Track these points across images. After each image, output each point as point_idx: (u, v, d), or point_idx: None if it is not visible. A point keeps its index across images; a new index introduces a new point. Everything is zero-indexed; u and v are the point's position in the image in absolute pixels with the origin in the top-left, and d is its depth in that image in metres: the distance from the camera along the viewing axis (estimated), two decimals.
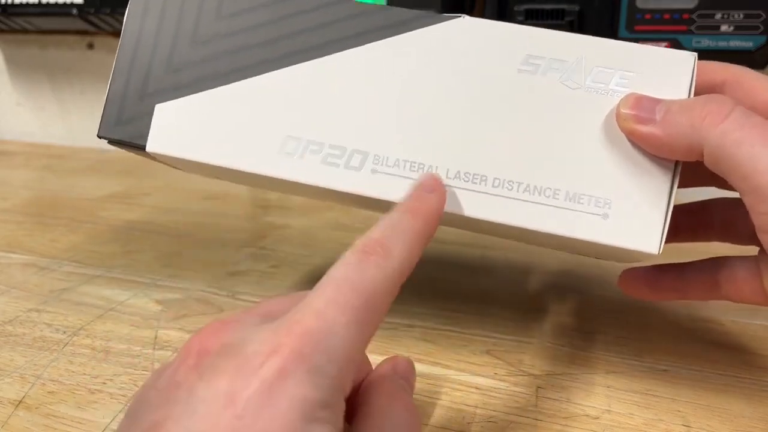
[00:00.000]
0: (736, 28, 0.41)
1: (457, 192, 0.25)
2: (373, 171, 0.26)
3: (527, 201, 0.25)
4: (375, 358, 0.31)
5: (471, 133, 0.25)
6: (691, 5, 0.41)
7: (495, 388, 0.29)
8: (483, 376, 0.30)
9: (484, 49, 0.25)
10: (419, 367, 0.30)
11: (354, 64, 0.26)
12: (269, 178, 0.27)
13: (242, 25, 0.27)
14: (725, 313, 0.35)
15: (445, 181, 0.25)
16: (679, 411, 0.27)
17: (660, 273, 0.29)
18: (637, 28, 0.42)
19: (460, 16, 0.26)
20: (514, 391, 0.29)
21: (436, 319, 0.34)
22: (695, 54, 0.24)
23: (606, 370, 0.30)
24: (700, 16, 0.41)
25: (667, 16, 0.41)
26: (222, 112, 0.27)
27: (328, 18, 0.27)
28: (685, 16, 0.41)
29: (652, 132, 0.23)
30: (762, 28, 0.40)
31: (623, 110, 0.24)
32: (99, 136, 0.29)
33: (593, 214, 0.24)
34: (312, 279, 0.40)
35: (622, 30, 0.42)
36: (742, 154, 0.21)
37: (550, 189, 0.24)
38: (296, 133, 0.26)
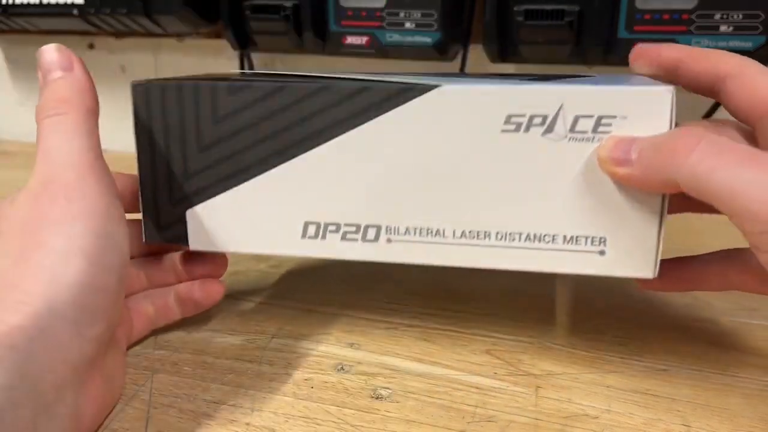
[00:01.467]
0: (736, 28, 0.41)
1: (466, 248, 0.28)
2: (389, 240, 0.29)
3: (530, 248, 0.27)
4: (375, 358, 0.31)
5: (467, 195, 0.27)
6: (690, 5, 0.41)
7: (495, 387, 0.29)
8: (483, 375, 0.30)
9: (466, 115, 0.26)
10: (419, 366, 0.30)
11: (349, 148, 0.28)
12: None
13: (240, 125, 0.29)
14: (725, 313, 0.35)
15: (453, 240, 0.28)
16: (678, 411, 0.27)
17: (672, 266, 0.29)
18: (637, 28, 0.42)
19: (438, 86, 0.26)
20: (514, 391, 0.29)
21: (436, 319, 0.34)
22: (673, 89, 0.24)
23: (606, 370, 0.30)
24: (699, 16, 0.41)
25: (666, 17, 0.41)
26: (244, 208, 0.30)
27: (316, 107, 0.28)
28: (685, 16, 0.41)
29: (630, 173, 0.24)
30: (761, 28, 0.40)
31: (602, 154, 0.25)
32: (146, 242, 0.32)
33: (591, 252, 0.27)
34: (312, 278, 0.40)
35: (622, 30, 0.42)
36: (717, 181, 0.22)
37: (549, 235, 0.27)
38: (313, 218, 0.29)
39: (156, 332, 0.33)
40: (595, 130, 0.25)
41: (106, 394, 0.26)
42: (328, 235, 0.29)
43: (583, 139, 0.26)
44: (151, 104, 0.29)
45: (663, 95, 0.24)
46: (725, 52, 0.27)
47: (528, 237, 0.27)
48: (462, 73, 0.32)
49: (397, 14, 0.47)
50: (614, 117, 0.25)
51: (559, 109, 0.25)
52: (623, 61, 0.43)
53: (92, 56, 0.67)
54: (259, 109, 0.29)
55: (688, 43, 0.42)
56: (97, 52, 0.67)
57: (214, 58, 0.63)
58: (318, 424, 0.27)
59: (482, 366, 0.30)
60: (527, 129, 0.26)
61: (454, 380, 0.29)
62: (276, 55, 0.61)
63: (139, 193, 0.31)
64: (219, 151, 0.30)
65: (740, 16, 0.40)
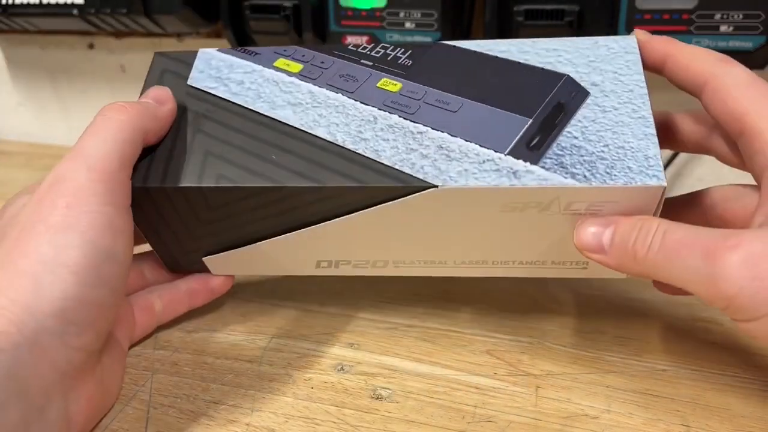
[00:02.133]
0: (736, 28, 0.41)
1: (466, 269, 0.30)
2: (396, 266, 0.31)
3: (522, 267, 0.30)
4: (375, 358, 0.31)
5: (467, 243, 0.29)
6: (690, 5, 0.41)
7: (494, 387, 0.29)
8: (483, 375, 0.30)
9: (464, 204, 0.27)
10: (419, 366, 0.30)
11: (347, 224, 0.28)
12: None
13: (234, 211, 0.29)
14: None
15: (453, 266, 0.30)
16: (678, 411, 0.27)
17: None
18: (637, 28, 0.42)
19: (434, 187, 0.26)
20: (514, 391, 0.29)
21: (436, 319, 0.34)
22: (664, 186, 0.24)
23: (606, 370, 0.30)
24: (699, 16, 0.41)
25: (666, 17, 0.41)
26: (256, 255, 0.31)
27: (307, 200, 0.28)
28: (685, 16, 0.41)
29: (604, 260, 0.26)
30: (761, 28, 0.40)
31: (576, 241, 0.26)
32: (171, 272, 0.34)
33: (575, 267, 0.29)
34: (312, 278, 0.40)
35: (622, 30, 0.42)
36: (676, 274, 0.23)
37: (539, 261, 0.29)
38: (325, 258, 0.31)
39: (156, 332, 0.33)
40: (587, 210, 0.26)
41: (100, 396, 0.26)
42: (340, 266, 0.31)
43: (575, 214, 0.26)
44: (142, 202, 0.29)
45: (653, 193, 0.25)
46: (710, 55, 0.27)
47: (521, 263, 0.29)
48: (454, 48, 0.31)
49: (397, 14, 0.47)
50: (607, 203, 0.25)
51: (553, 200, 0.26)
52: None
53: (92, 56, 0.67)
54: (250, 202, 0.28)
55: (689, 43, 0.42)
56: (97, 52, 0.67)
57: None
58: (318, 424, 0.27)
59: (482, 366, 0.30)
60: (523, 210, 0.26)
61: (454, 380, 0.29)
62: None
63: (151, 248, 0.32)
64: (219, 226, 0.30)
65: (740, 16, 0.40)
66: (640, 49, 0.29)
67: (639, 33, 0.29)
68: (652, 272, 0.24)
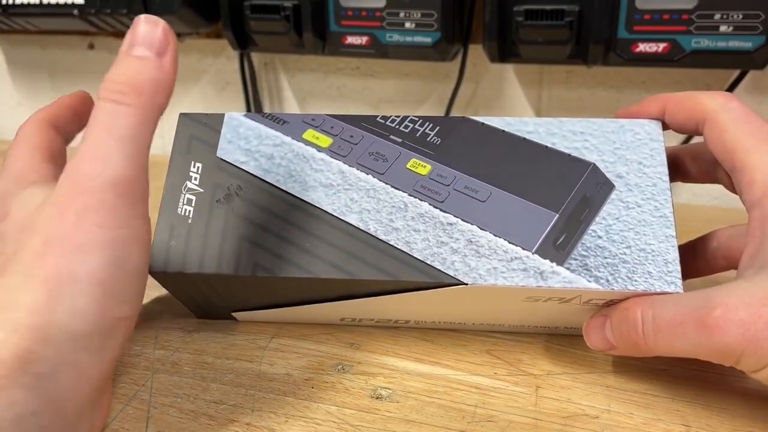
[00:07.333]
0: (736, 28, 0.41)
1: (482, 327, 0.32)
2: (417, 323, 0.32)
3: (536, 328, 0.32)
4: (375, 358, 0.31)
5: (489, 314, 0.30)
6: (690, 5, 0.41)
7: (495, 387, 0.29)
8: (483, 375, 0.30)
9: (491, 296, 0.28)
10: (419, 366, 0.30)
11: (374, 301, 0.29)
12: None
13: (268, 288, 0.30)
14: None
15: (471, 326, 0.32)
16: (678, 411, 0.27)
17: (685, 253, 0.30)
18: (637, 28, 0.42)
19: (464, 284, 0.27)
20: (514, 391, 0.29)
21: None
22: (680, 286, 0.26)
23: (605, 370, 0.30)
24: (699, 16, 0.41)
25: (666, 17, 0.41)
26: (284, 313, 0.32)
27: (336, 284, 0.28)
28: (685, 16, 0.41)
29: (620, 354, 0.28)
30: (761, 28, 0.40)
31: (589, 345, 0.28)
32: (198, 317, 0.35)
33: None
34: None
35: (622, 30, 0.42)
36: (680, 350, 0.25)
37: (552, 327, 0.31)
38: (349, 316, 0.32)
39: (156, 332, 0.33)
40: (605, 304, 0.27)
41: (111, 397, 0.27)
42: (363, 322, 0.33)
43: (594, 305, 0.28)
44: (178, 280, 0.30)
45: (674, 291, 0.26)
46: (704, 93, 0.27)
47: (535, 326, 0.31)
48: (482, 125, 0.30)
49: (397, 14, 0.47)
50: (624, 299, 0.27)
51: (575, 297, 0.27)
52: (623, 62, 0.44)
53: (92, 56, 0.67)
54: (283, 285, 0.29)
55: (688, 43, 0.42)
56: (97, 52, 0.67)
57: (214, 58, 0.63)
58: (318, 424, 0.27)
59: (482, 366, 0.30)
60: (546, 301, 0.27)
61: (454, 380, 0.29)
62: (276, 55, 0.61)
63: (176, 298, 0.33)
64: (250, 295, 0.31)
65: (740, 16, 0.40)
66: (630, 116, 0.30)
67: (623, 112, 0.30)
68: (661, 353, 0.26)
